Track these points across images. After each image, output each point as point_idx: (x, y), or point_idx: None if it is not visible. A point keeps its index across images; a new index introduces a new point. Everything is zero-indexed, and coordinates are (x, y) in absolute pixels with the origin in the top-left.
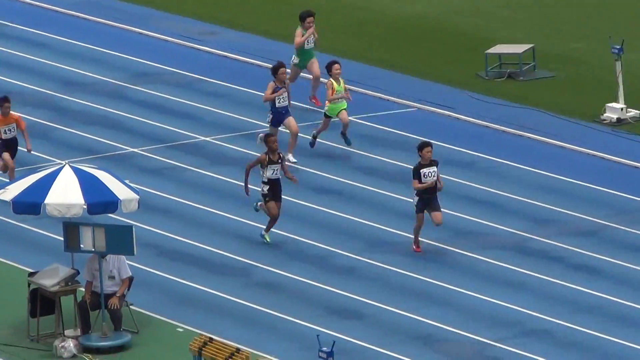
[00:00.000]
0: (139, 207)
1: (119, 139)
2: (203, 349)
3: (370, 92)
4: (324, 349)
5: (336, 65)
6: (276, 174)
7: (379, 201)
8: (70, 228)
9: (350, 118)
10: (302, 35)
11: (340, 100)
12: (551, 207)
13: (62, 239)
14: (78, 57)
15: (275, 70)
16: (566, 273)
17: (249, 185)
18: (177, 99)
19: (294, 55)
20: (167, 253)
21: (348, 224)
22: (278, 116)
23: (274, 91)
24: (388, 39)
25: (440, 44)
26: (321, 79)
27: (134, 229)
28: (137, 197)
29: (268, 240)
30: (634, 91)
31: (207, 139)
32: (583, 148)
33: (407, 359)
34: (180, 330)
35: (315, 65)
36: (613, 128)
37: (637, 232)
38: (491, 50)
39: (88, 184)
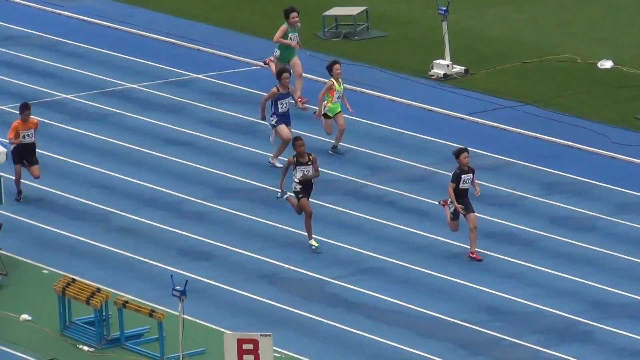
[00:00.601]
0: (6, 159)
1: None
2: (66, 289)
3: (217, 51)
4: (177, 287)
5: (337, 66)
6: (307, 174)
7: (225, 151)
8: None
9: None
10: (286, 33)
11: (336, 101)
12: (384, 155)
13: None
14: None
15: (278, 75)
16: (398, 216)
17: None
18: (40, 60)
19: (275, 49)
20: (33, 201)
21: (198, 173)
22: (282, 119)
23: (277, 98)
24: (232, 2)
25: (280, 6)
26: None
27: (2, 179)
28: (5, 150)
29: (316, 245)
30: (459, 49)
31: (68, 96)
32: (413, 101)
33: (253, 296)
34: (46, 272)
35: (298, 64)
36: (440, 83)
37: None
38: (328, 13)
39: None
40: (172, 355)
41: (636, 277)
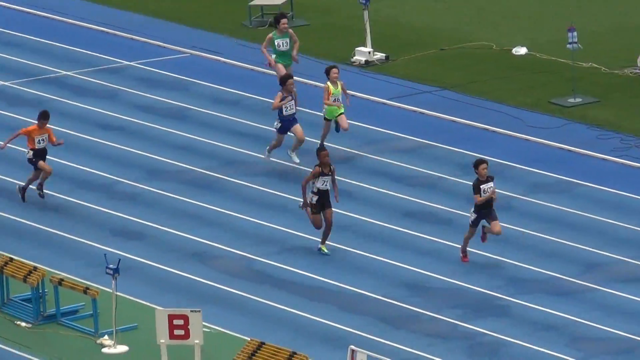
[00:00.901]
0: None
1: None
2: (4, 268)
3: (149, 40)
4: (111, 266)
5: (334, 70)
6: (326, 185)
7: (156, 135)
8: None
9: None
10: (272, 39)
11: (337, 104)
12: (308, 139)
13: None
14: None
15: (283, 81)
16: None
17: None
18: None
19: (272, 55)
20: None
21: (130, 156)
22: (286, 124)
23: (281, 100)
24: None
25: None
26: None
27: None
28: None
29: (326, 251)
30: (379, 36)
31: (6, 83)
32: None
33: (184, 273)
34: None
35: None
36: (361, 69)
37: (383, 159)
38: (254, 2)
39: None
40: (105, 331)
41: (549, 254)
